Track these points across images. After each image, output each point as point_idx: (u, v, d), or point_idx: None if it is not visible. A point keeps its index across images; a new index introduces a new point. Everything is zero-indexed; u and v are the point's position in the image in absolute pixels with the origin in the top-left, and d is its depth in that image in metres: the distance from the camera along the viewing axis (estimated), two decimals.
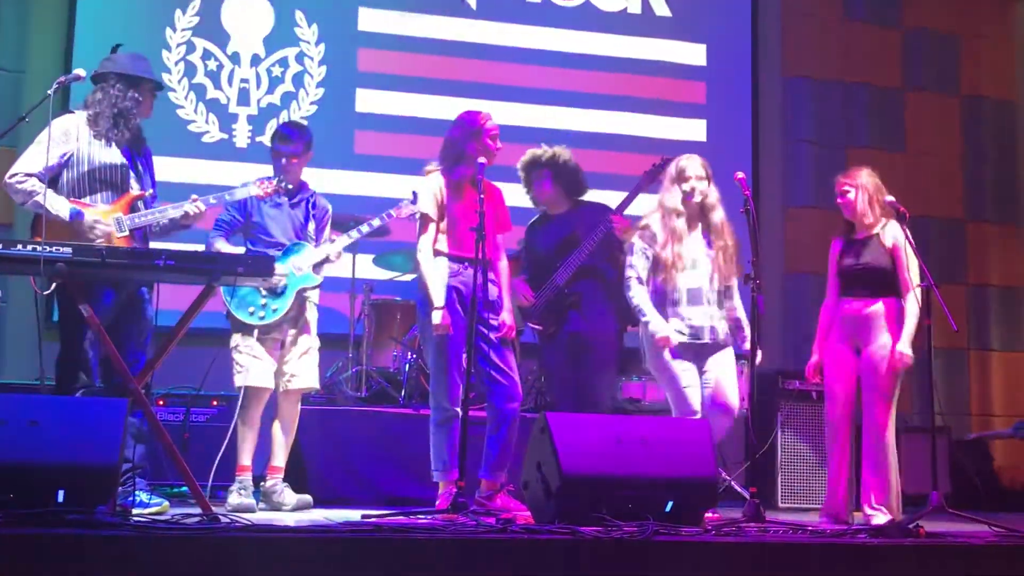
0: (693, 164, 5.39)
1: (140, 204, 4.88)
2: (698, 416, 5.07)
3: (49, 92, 4.55)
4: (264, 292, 5.21)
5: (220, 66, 7.78)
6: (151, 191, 4.97)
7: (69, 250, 4.04)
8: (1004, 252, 9.24)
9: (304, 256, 5.33)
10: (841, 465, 5.30)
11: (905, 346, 5.19)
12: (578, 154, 8.20)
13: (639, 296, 5.25)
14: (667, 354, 5.14)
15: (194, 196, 5.02)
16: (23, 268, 4.13)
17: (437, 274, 5.08)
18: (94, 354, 4.65)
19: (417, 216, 5.23)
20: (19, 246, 4.07)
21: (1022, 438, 8.44)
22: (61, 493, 3.56)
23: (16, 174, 4.70)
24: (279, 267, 5.07)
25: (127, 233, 4.73)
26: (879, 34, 9.16)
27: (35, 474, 3.56)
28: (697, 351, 5.22)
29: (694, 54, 8.83)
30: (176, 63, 7.57)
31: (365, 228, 5.66)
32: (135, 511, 4.30)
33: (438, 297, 5.02)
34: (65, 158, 4.76)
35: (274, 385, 5.28)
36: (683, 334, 5.18)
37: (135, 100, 4.91)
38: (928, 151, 9.10)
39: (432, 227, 5.15)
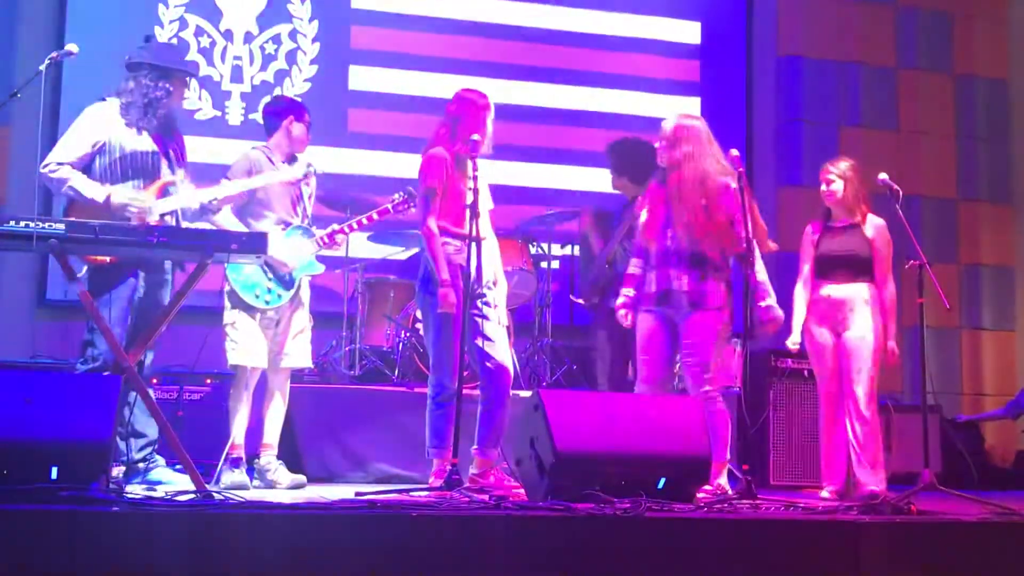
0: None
1: (171, 189, 4.95)
2: None
3: (41, 68, 4.55)
4: (271, 276, 5.19)
5: (213, 43, 7.74)
6: (178, 176, 5.00)
7: (62, 226, 4.03)
8: (996, 231, 9.25)
9: (307, 245, 5.30)
10: (841, 439, 5.40)
11: (892, 342, 5.39)
12: (572, 132, 8.29)
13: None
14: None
15: (224, 180, 5.14)
16: (17, 244, 4.11)
17: (442, 251, 5.06)
18: (121, 332, 4.69)
19: (421, 191, 5.19)
20: (12, 223, 4.05)
21: (1014, 418, 8.48)
22: (55, 469, 3.57)
23: (49, 163, 4.82)
24: (287, 255, 5.11)
25: (158, 218, 4.78)
26: (872, 13, 9.14)
27: (29, 451, 3.57)
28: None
29: (688, 32, 8.81)
30: (169, 40, 7.52)
31: (355, 225, 5.62)
32: (161, 488, 4.36)
33: (445, 274, 4.99)
34: (97, 146, 4.87)
35: (266, 363, 5.28)
36: None
37: (166, 90, 4.99)
38: (921, 130, 9.10)
39: (436, 203, 5.12)
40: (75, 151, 4.82)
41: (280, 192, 5.33)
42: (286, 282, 5.23)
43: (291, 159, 5.44)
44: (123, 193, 4.79)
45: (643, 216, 5.26)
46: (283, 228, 5.27)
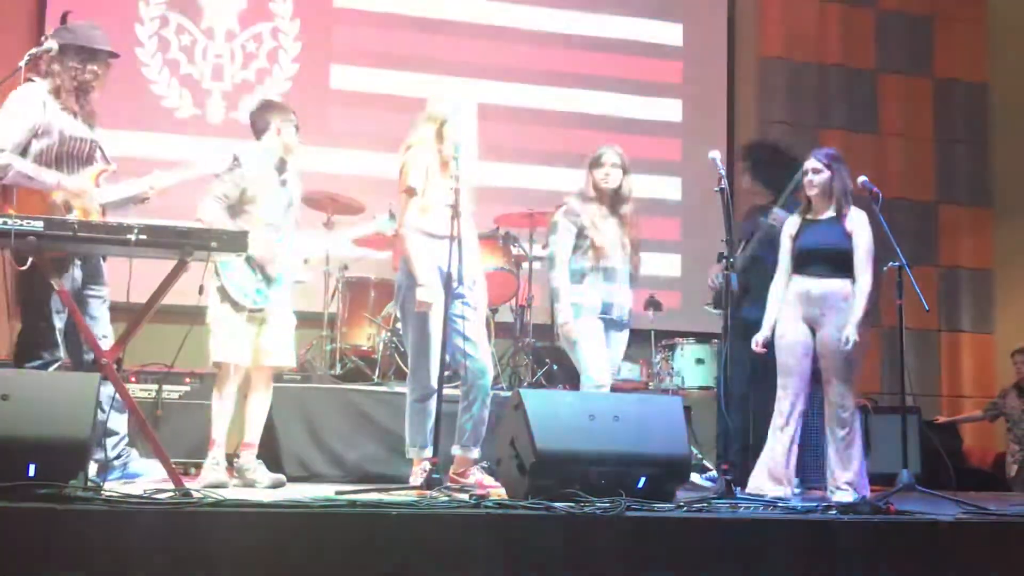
0: (609, 153, 5.50)
1: (102, 180, 4.80)
2: None
3: (20, 64, 4.50)
4: (260, 277, 5.16)
5: (194, 41, 7.72)
6: (114, 166, 4.89)
7: (40, 224, 3.99)
8: (975, 234, 9.32)
9: (296, 250, 5.28)
10: (795, 436, 5.36)
11: (853, 331, 5.21)
12: (554, 133, 8.30)
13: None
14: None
15: (157, 171, 4.93)
16: None
17: (423, 251, 5.05)
18: (59, 327, 4.59)
19: (401, 191, 5.17)
20: None
21: (992, 420, 8.54)
22: (32, 467, 3.54)
23: None
24: (276, 257, 5.08)
25: (99, 207, 4.68)
26: (853, 16, 9.20)
27: (6, 448, 3.54)
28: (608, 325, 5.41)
29: (671, 34, 8.84)
30: (149, 37, 7.51)
31: (349, 235, 5.65)
32: (140, 480, 4.32)
33: (424, 274, 4.98)
34: (34, 130, 4.63)
35: (249, 361, 5.26)
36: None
37: (94, 73, 4.79)
38: (901, 133, 9.17)
39: (416, 203, 5.11)
40: (13, 135, 4.54)
41: (270, 195, 5.29)
42: (273, 283, 5.21)
43: (281, 164, 5.39)
44: (76, 180, 4.63)
45: None
46: (274, 231, 5.22)
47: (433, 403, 4.91)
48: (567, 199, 5.59)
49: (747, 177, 6.31)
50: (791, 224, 5.51)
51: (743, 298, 5.94)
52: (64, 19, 4.91)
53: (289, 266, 5.25)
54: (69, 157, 4.71)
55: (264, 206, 5.22)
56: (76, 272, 4.67)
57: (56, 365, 4.57)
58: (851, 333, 5.20)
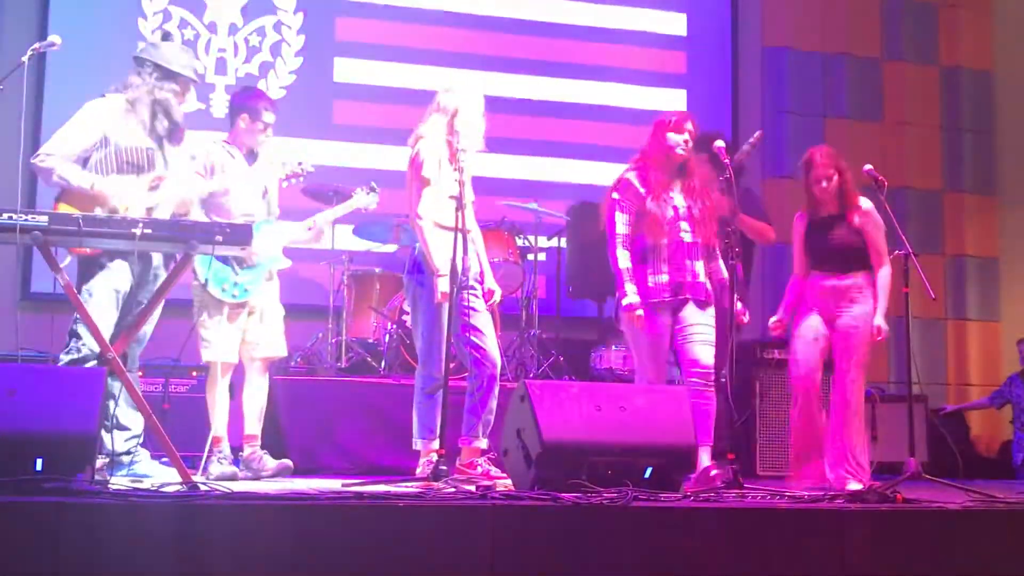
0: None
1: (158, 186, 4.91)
2: None
3: (23, 59, 4.52)
4: (238, 270, 5.17)
5: (197, 35, 7.72)
6: (169, 174, 4.97)
7: (45, 218, 4.00)
8: (981, 222, 9.29)
9: (273, 238, 5.28)
10: (818, 432, 5.36)
11: (881, 320, 5.29)
12: (557, 124, 8.29)
13: None
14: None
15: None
16: (0, 237, 4.07)
17: (439, 242, 5.03)
18: (106, 323, 4.66)
19: (414, 182, 5.15)
20: None
21: (998, 408, 8.53)
22: (39, 461, 3.55)
23: (39, 154, 4.78)
24: (255, 249, 5.03)
25: (143, 210, 4.76)
26: (858, 4, 9.16)
27: (13, 443, 3.55)
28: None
29: (674, 23, 8.82)
30: (152, 32, 7.49)
31: (329, 216, 5.64)
32: (146, 481, 4.34)
33: (443, 265, 4.94)
34: (94, 144, 4.81)
35: (240, 356, 5.27)
36: None
37: (172, 91, 4.97)
38: (906, 121, 9.14)
39: (430, 193, 5.09)
40: (71, 145, 4.76)
41: (242, 185, 5.29)
42: (253, 275, 5.21)
43: (251, 154, 5.40)
44: (109, 181, 4.75)
45: None
46: (249, 221, 5.22)
47: (440, 394, 4.91)
48: None
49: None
50: (799, 223, 5.53)
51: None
52: (166, 36, 5.21)
53: (270, 256, 5.26)
54: (128, 165, 4.85)
55: (236, 197, 5.24)
56: (127, 274, 4.78)
57: (92, 360, 4.63)
58: (880, 321, 5.28)
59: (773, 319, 5.52)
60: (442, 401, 4.73)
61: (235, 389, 5.36)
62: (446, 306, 4.89)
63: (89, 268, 4.73)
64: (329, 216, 5.63)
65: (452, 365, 4.91)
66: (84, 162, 4.79)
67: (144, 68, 4.94)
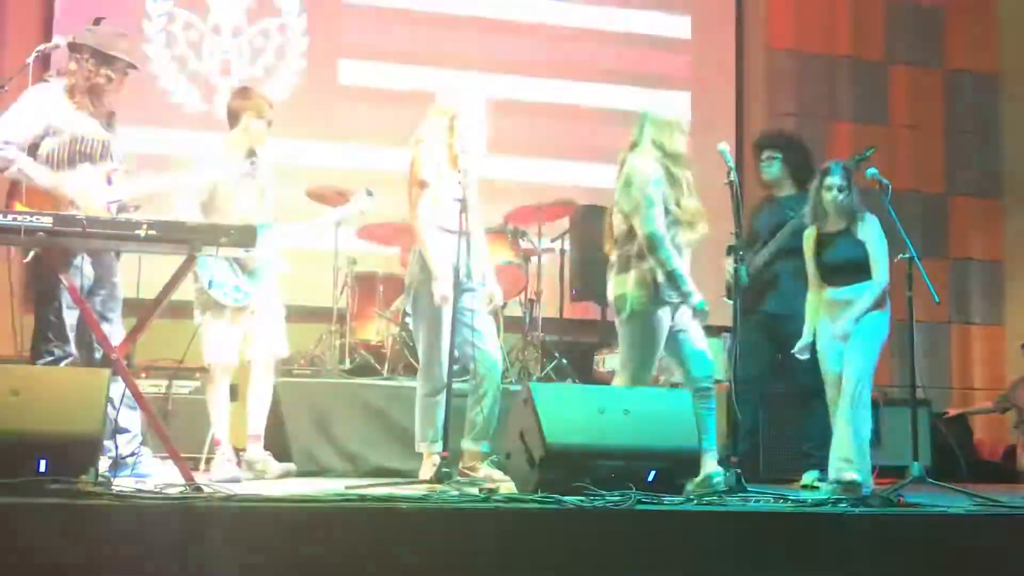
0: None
1: (114, 177, 4.80)
2: None
3: (28, 61, 4.51)
4: (238, 273, 5.17)
5: (201, 37, 7.72)
6: (124, 166, 4.89)
7: (49, 219, 3.99)
8: (985, 226, 9.29)
9: (271, 240, 5.27)
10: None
11: (853, 318, 5.27)
12: (561, 126, 8.28)
13: None
14: None
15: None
16: (4, 238, 4.07)
17: (439, 245, 5.02)
18: (70, 322, 4.60)
19: (413, 184, 5.15)
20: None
21: (1002, 412, 8.51)
22: (43, 462, 3.55)
23: None
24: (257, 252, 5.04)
25: (104, 206, 4.68)
26: (863, 7, 9.17)
27: (17, 444, 3.55)
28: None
29: (679, 26, 8.82)
30: (157, 33, 7.51)
31: (328, 218, 5.64)
32: (150, 480, 4.33)
33: (443, 268, 4.95)
34: (46, 129, 4.64)
35: (242, 356, 5.27)
36: None
37: (107, 78, 4.77)
38: (910, 124, 9.14)
39: (429, 196, 5.08)
40: (22, 131, 4.55)
41: (241, 188, 5.28)
42: (253, 277, 5.21)
43: (251, 154, 5.38)
44: (73, 185, 4.59)
45: None
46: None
47: (443, 397, 4.91)
48: None
49: (776, 166, 6.20)
50: (809, 238, 5.51)
51: (767, 292, 5.94)
52: (97, 22, 4.92)
53: (270, 258, 5.25)
54: (81, 156, 4.70)
55: (236, 201, 5.22)
56: (87, 269, 4.64)
57: (67, 360, 4.58)
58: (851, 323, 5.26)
59: (800, 344, 5.45)
60: (445, 404, 4.73)
61: (236, 391, 5.36)
62: (447, 308, 4.88)
63: (49, 262, 4.60)
64: (329, 219, 5.64)
65: (455, 368, 4.91)
66: (33, 150, 4.60)
67: (82, 54, 4.74)
